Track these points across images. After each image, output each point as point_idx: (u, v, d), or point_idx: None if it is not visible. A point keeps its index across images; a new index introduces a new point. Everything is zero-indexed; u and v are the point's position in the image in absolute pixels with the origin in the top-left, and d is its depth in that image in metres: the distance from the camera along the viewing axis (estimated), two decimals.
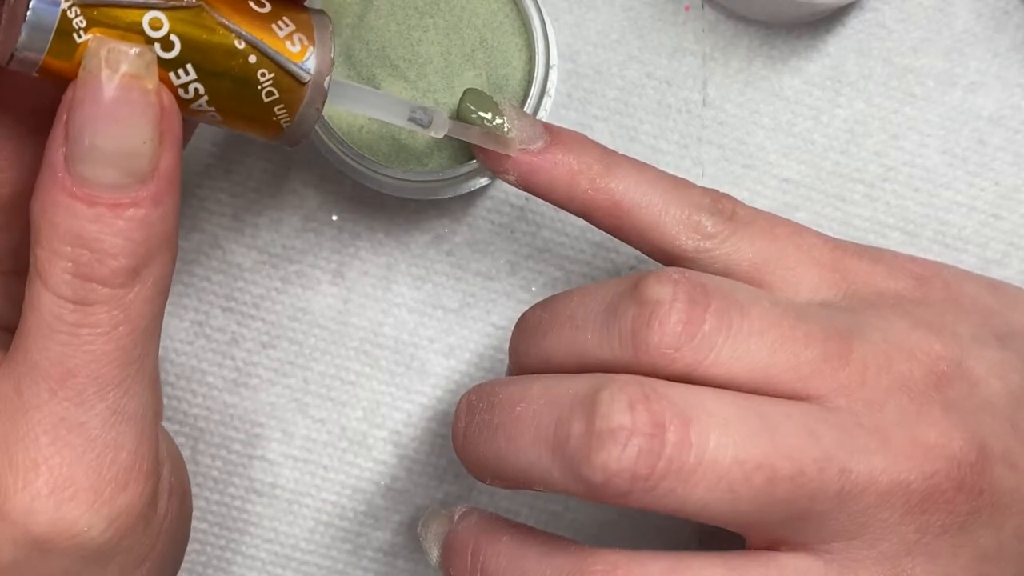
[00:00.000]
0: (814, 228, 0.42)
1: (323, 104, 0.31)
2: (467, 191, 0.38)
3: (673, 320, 0.29)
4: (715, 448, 0.28)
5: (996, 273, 0.43)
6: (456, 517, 0.33)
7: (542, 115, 0.37)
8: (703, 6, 0.43)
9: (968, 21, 0.43)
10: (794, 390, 0.30)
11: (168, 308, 0.41)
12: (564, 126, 0.42)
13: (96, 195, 0.27)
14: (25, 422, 0.28)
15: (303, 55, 0.30)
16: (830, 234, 0.42)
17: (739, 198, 0.42)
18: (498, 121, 0.35)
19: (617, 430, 0.28)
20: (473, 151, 0.36)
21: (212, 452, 0.42)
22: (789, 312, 0.31)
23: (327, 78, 0.30)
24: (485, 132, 0.35)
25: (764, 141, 0.43)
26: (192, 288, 0.42)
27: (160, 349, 0.41)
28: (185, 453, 0.42)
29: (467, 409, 0.33)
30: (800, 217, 0.43)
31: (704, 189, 0.35)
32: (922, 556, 0.30)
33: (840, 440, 0.29)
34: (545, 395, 0.30)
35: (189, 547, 0.41)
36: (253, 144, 0.42)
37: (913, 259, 0.35)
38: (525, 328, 0.34)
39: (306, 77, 0.30)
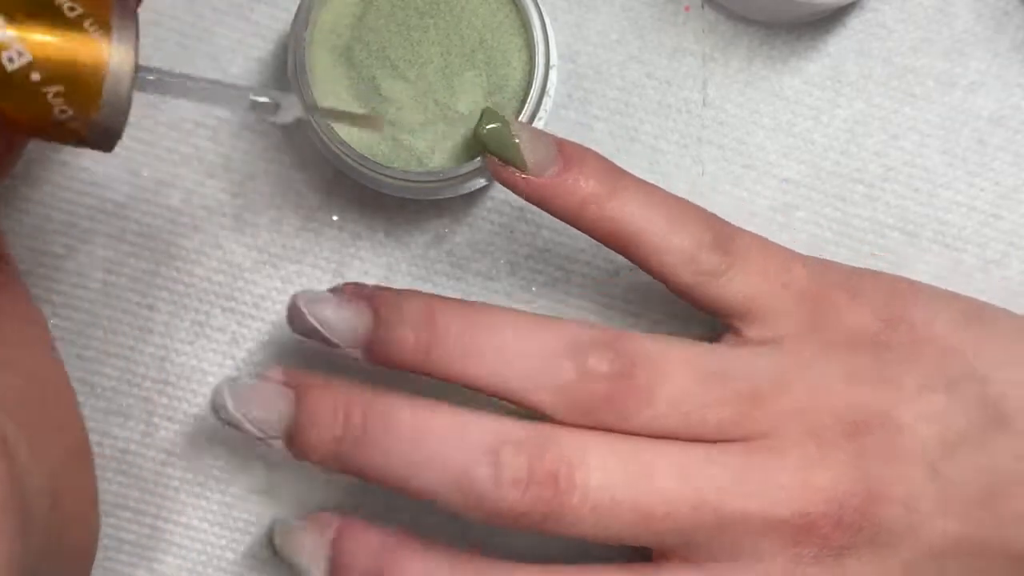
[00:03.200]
0: (813, 228, 0.43)
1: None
2: (467, 191, 0.39)
3: (604, 391, 0.34)
4: (596, 491, 0.33)
5: (995, 273, 0.43)
6: (331, 531, 0.37)
7: (542, 115, 0.38)
8: (703, 6, 0.43)
9: (968, 21, 0.43)
10: (704, 439, 0.35)
11: (169, 308, 0.42)
12: (564, 126, 0.42)
13: None
14: None
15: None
16: (830, 235, 0.43)
17: (739, 198, 0.43)
18: (515, 143, 0.35)
19: (517, 481, 0.33)
20: (487, 165, 0.36)
21: (214, 452, 0.42)
22: (714, 376, 0.35)
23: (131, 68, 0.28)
24: (353, 117, 0.35)
25: (764, 141, 0.43)
26: (193, 288, 0.42)
27: (161, 349, 0.42)
28: (186, 452, 0.42)
29: (345, 419, 0.35)
30: (800, 217, 0.43)
31: (706, 222, 0.36)
32: None
33: (719, 482, 0.34)
34: (452, 433, 0.34)
35: (191, 547, 0.42)
36: (254, 144, 0.42)
37: (891, 295, 0.37)
38: (440, 324, 0.35)
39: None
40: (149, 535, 0.41)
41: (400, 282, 0.42)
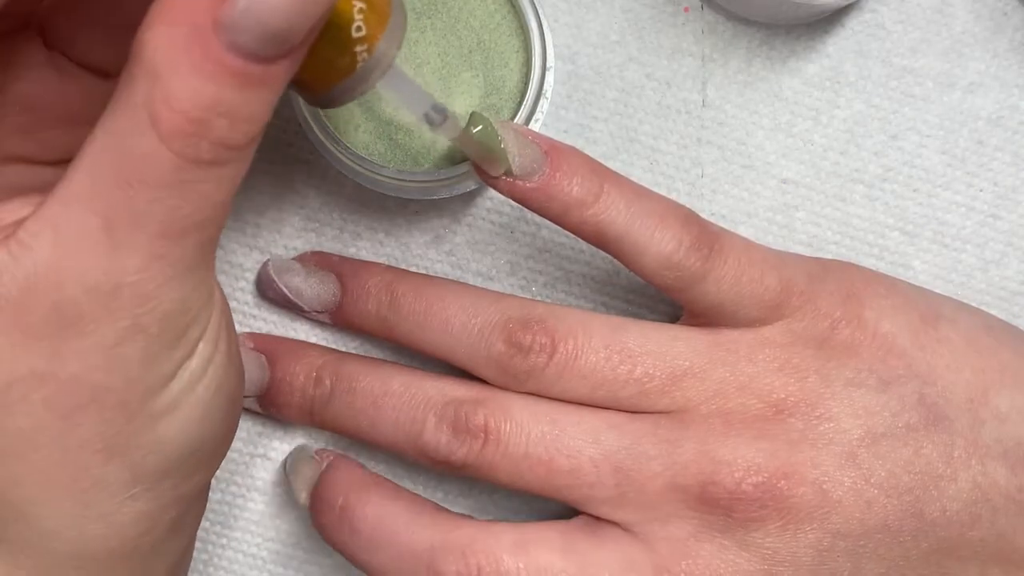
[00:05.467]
0: (813, 228, 0.43)
1: (394, 56, 0.30)
2: (465, 191, 0.39)
3: (528, 364, 0.37)
4: (512, 445, 0.37)
5: (994, 273, 0.43)
6: (324, 464, 0.40)
7: (538, 117, 0.38)
8: (702, 7, 0.43)
9: (967, 22, 0.43)
10: (621, 409, 0.38)
11: None
12: (564, 127, 0.42)
13: (246, 68, 0.26)
14: (118, 258, 0.28)
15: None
16: (830, 234, 0.43)
17: (739, 198, 0.43)
18: (502, 148, 0.36)
19: (454, 434, 0.37)
20: (473, 169, 0.37)
21: None
22: (629, 355, 0.37)
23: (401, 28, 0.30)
24: (485, 153, 0.35)
25: (763, 142, 0.43)
26: None
27: None
28: None
29: (315, 382, 0.40)
30: (800, 217, 0.43)
31: (688, 224, 0.37)
32: (708, 543, 0.36)
33: (624, 444, 0.37)
34: (405, 394, 0.38)
35: None
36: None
37: (848, 296, 0.38)
38: (397, 298, 0.39)
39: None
40: None
41: None
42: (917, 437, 0.37)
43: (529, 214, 0.42)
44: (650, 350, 0.37)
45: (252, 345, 0.41)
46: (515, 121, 0.37)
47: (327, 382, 0.40)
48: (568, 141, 0.42)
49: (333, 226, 0.42)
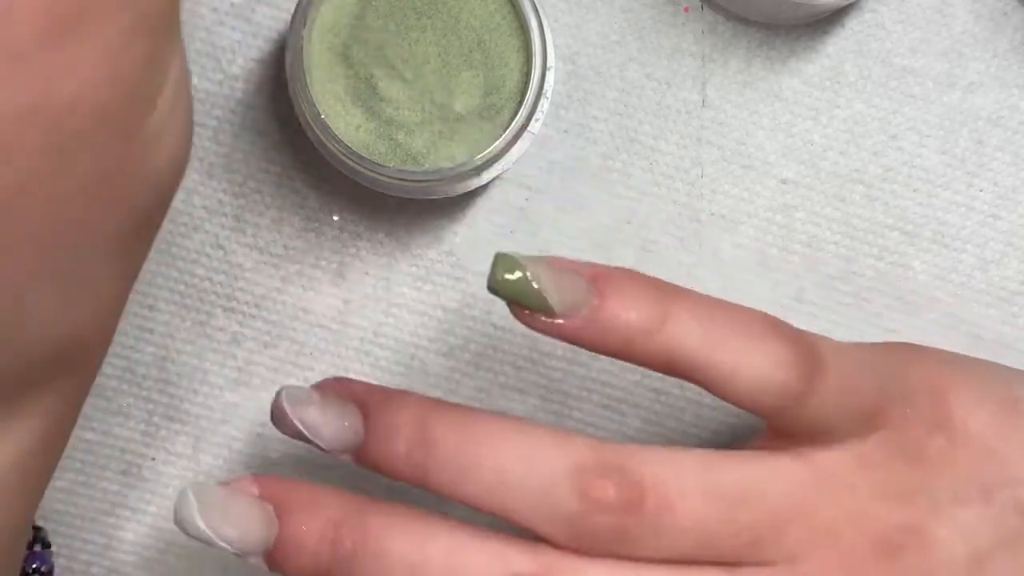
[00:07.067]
0: (813, 228, 0.43)
1: None
2: (465, 191, 0.39)
3: (612, 522, 0.31)
4: None
5: (994, 273, 0.43)
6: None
7: (538, 117, 0.38)
8: (702, 7, 0.43)
9: (967, 22, 0.43)
10: (721, 563, 0.32)
11: (170, 308, 0.42)
12: (564, 127, 0.42)
13: None
14: None
15: None
16: (829, 234, 0.43)
17: (738, 198, 0.43)
18: (535, 286, 0.31)
19: None
20: (512, 312, 0.32)
21: (214, 451, 0.42)
22: (731, 501, 0.32)
23: None
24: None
25: (763, 142, 0.43)
26: (193, 288, 0.42)
27: (161, 349, 0.42)
28: (187, 452, 0.42)
29: (332, 544, 0.32)
30: (799, 217, 0.43)
31: (782, 337, 0.32)
32: None
33: None
34: (448, 563, 0.31)
35: (192, 545, 0.42)
36: (254, 144, 0.42)
37: (934, 392, 0.34)
38: (435, 437, 0.32)
39: None
40: (149, 534, 0.42)
41: (400, 282, 0.42)
42: (1021, 543, 0.34)
43: (530, 214, 0.42)
44: (748, 491, 0.32)
45: (257, 491, 0.33)
46: (515, 121, 0.37)
47: (347, 543, 0.32)
48: (568, 141, 0.42)
49: (333, 226, 0.42)
